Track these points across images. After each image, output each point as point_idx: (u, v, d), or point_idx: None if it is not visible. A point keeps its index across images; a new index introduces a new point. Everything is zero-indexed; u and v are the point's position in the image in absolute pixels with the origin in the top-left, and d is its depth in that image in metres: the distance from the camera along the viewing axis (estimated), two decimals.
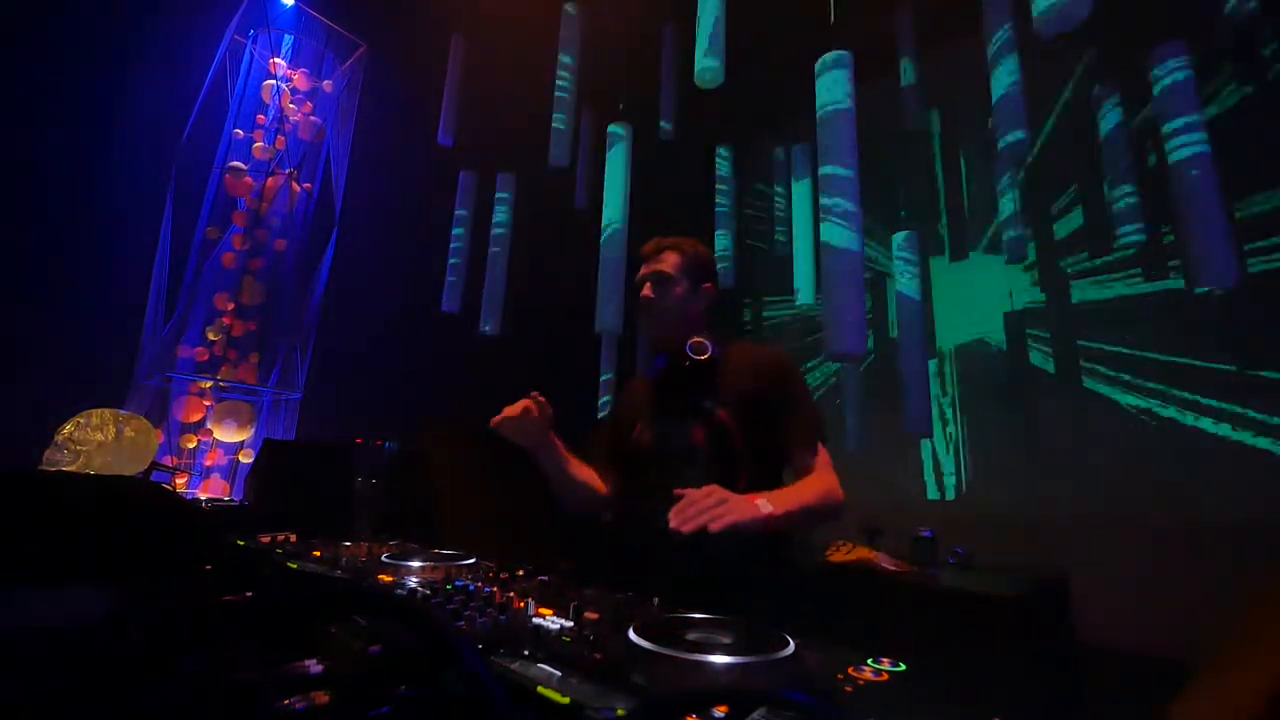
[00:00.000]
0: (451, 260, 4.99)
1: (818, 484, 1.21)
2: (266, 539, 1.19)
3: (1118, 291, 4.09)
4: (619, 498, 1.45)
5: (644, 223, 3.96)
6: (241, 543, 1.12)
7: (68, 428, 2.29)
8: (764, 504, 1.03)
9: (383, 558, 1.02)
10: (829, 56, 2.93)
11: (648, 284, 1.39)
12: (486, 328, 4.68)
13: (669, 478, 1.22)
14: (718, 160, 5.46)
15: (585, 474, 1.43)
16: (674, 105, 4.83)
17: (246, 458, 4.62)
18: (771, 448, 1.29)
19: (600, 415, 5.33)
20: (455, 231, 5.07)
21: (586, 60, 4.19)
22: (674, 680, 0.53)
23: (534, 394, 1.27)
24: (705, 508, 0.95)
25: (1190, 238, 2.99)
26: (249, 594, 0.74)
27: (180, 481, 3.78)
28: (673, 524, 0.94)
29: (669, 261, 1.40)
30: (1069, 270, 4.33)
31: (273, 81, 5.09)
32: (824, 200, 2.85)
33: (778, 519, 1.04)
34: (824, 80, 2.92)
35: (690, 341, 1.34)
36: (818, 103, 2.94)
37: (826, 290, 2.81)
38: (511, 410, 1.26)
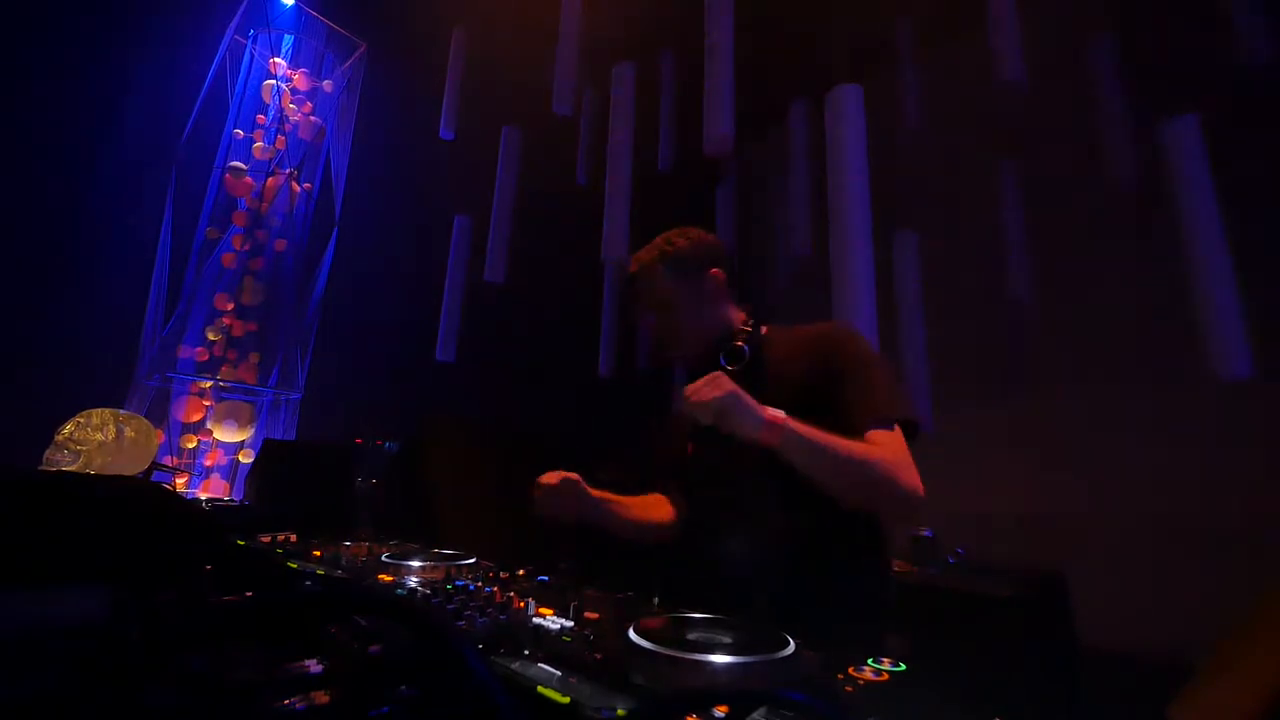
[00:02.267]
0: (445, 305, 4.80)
1: (868, 446, 0.97)
2: (266, 539, 1.19)
3: (1116, 288, 4.09)
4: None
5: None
6: (241, 543, 1.12)
7: (68, 428, 2.29)
8: (776, 411, 0.92)
9: (383, 558, 1.02)
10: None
11: (651, 320, 1.21)
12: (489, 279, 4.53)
13: (720, 500, 1.17)
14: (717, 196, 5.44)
15: (641, 510, 1.31)
16: (673, 135, 4.83)
17: (246, 458, 4.62)
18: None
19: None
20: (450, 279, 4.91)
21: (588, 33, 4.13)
22: (674, 680, 0.53)
23: (550, 476, 1.20)
24: (697, 387, 0.95)
25: (1205, 324, 2.92)
26: (249, 594, 0.74)
27: (180, 481, 3.78)
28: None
29: (659, 283, 1.19)
30: (1069, 270, 4.33)
31: (273, 81, 5.09)
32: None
33: (791, 435, 0.91)
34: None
35: (724, 350, 1.16)
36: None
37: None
38: (540, 489, 1.20)
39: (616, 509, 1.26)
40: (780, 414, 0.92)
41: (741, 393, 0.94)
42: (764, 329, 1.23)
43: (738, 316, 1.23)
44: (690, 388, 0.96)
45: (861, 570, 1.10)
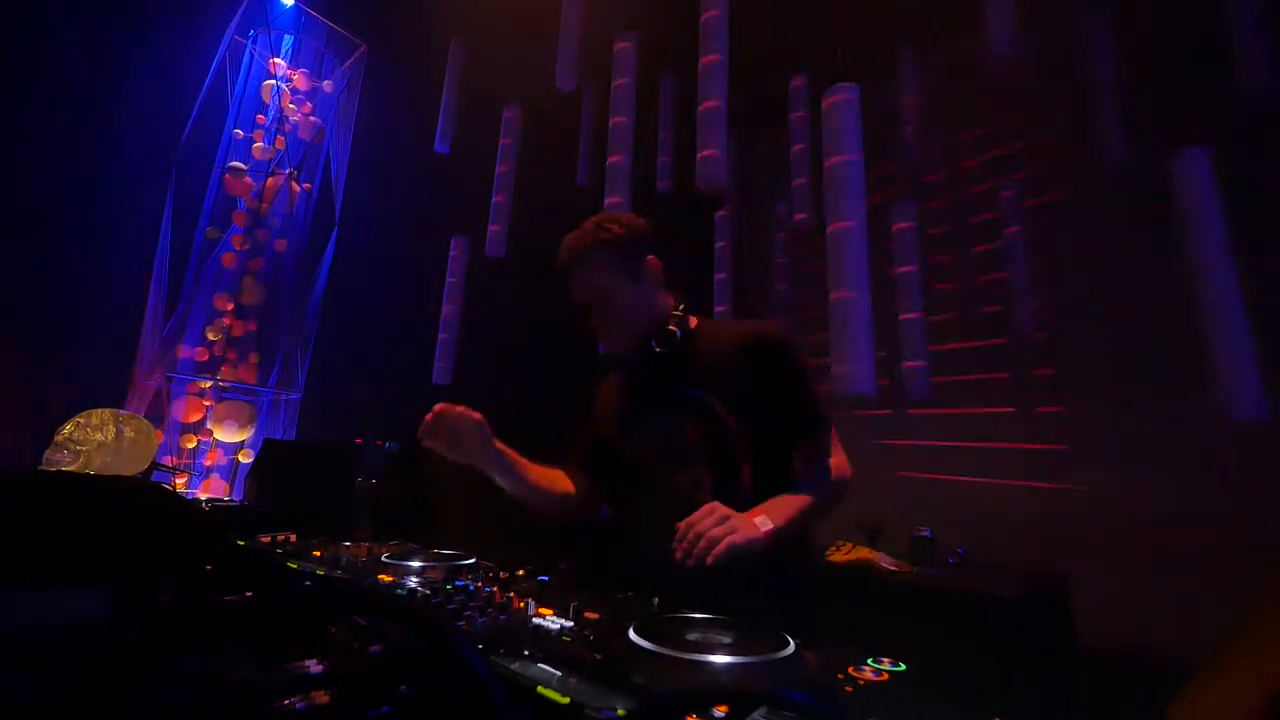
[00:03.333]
0: (442, 334, 4.78)
1: (816, 476, 1.13)
2: (266, 539, 1.18)
3: (1119, 287, 4.09)
4: (592, 503, 1.34)
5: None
6: (241, 543, 1.12)
7: (68, 428, 2.29)
8: (763, 521, 0.97)
9: (383, 558, 1.02)
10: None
11: (589, 313, 1.20)
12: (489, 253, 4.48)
13: (661, 482, 1.18)
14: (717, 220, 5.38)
15: (542, 478, 1.29)
16: (672, 158, 4.81)
17: (246, 458, 4.62)
18: (773, 433, 1.14)
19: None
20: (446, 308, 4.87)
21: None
22: (674, 680, 0.53)
23: (445, 406, 1.17)
24: (704, 530, 0.91)
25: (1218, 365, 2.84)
26: (249, 594, 0.74)
27: (180, 481, 3.78)
28: (679, 557, 0.91)
29: (596, 274, 1.17)
30: (1070, 272, 4.33)
31: (273, 81, 5.09)
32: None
33: (779, 532, 0.98)
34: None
35: (655, 334, 1.18)
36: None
37: (836, 332, 2.74)
38: (432, 416, 1.16)
39: (515, 466, 1.24)
40: (767, 523, 0.97)
41: (745, 523, 0.95)
42: (693, 321, 1.23)
43: (669, 304, 1.23)
44: (694, 532, 0.93)
45: (789, 551, 1.10)
